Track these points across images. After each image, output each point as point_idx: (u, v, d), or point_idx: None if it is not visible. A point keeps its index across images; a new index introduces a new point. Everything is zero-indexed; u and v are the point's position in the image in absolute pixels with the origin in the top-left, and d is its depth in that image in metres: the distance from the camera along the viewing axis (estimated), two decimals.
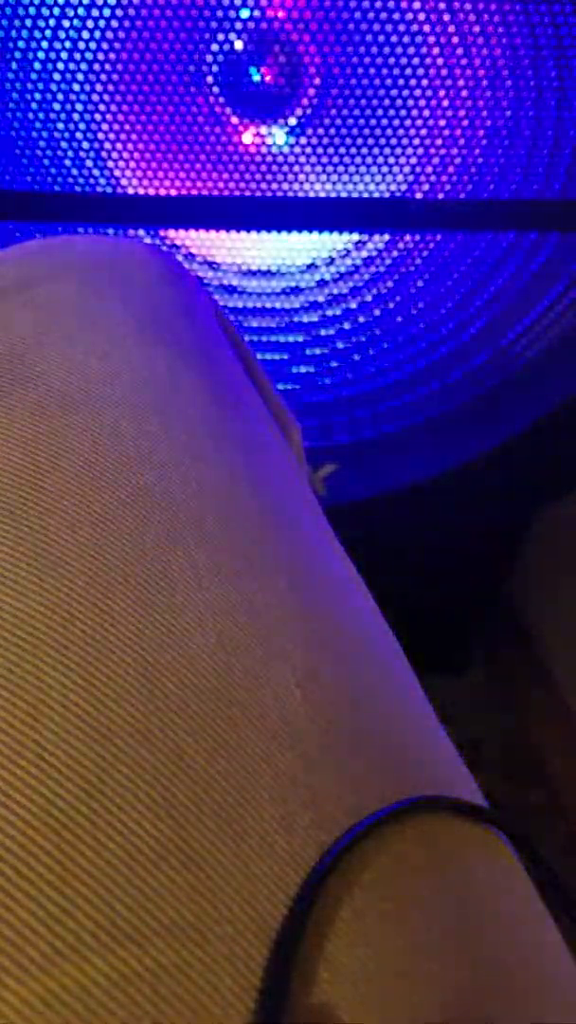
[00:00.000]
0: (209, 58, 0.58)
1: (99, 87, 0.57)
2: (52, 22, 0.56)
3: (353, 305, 0.66)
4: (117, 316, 0.29)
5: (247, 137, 0.61)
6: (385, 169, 0.60)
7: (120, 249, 0.34)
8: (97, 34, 0.56)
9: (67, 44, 0.56)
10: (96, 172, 0.61)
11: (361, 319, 0.66)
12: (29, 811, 0.17)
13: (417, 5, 0.55)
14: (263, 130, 0.61)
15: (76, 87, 0.57)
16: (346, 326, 0.67)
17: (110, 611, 0.21)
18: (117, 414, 0.26)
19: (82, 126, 0.59)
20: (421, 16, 0.55)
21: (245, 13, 0.56)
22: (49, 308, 0.29)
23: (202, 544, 0.24)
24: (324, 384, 0.69)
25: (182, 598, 0.22)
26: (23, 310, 0.28)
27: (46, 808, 0.17)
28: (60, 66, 0.57)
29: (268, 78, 0.59)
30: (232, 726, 0.20)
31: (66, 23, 0.56)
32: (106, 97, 0.58)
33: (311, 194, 0.61)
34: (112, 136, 0.60)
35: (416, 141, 0.60)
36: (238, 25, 0.56)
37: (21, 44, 0.56)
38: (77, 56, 0.57)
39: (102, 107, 0.58)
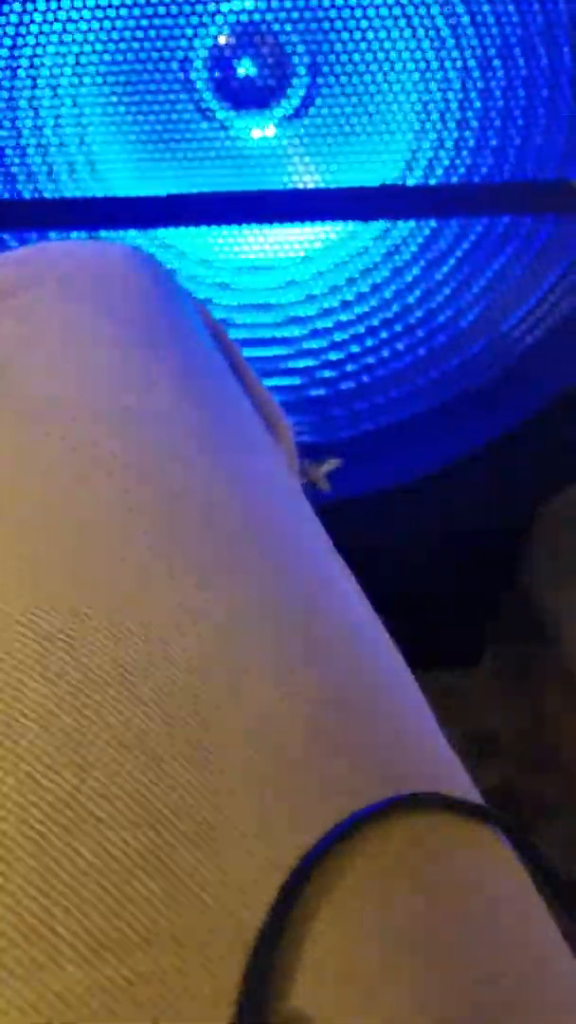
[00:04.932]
0: (195, 53, 0.57)
1: (83, 90, 0.57)
2: (36, 28, 0.55)
3: (349, 296, 0.66)
4: (97, 322, 0.29)
5: (236, 131, 0.60)
6: (375, 157, 0.60)
7: (100, 253, 0.34)
8: (79, 36, 0.56)
9: (51, 48, 0.56)
10: (85, 175, 0.60)
11: (357, 310, 0.66)
12: (6, 821, 0.17)
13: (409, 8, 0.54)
14: (252, 123, 0.60)
15: (61, 91, 0.57)
16: (343, 318, 0.66)
17: (88, 618, 0.21)
18: (97, 421, 0.26)
19: (68, 129, 0.59)
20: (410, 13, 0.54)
21: (229, 6, 0.56)
22: (28, 316, 0.29)
23: (182, 548, 0.24)
24: (323, 378, 0.69)
25: (160, 603, 0.22)
26: (2, 319, 0.28)
27: (23, 818, 0.17)
28: (46, 71, 0.57)
29: (255, 71, 0.59)
30: (209, 730, 0.20)
31: (48, 28, 0.55)
32: (91, 99, 0.58)
33: (301, 185, 0.61)
34: (100, 137, 0.59)
35: (404, 127, 0.59)
36: (219, 19, 0.56)
37: (4, 51, 0.56)
38: (62, 59, 0.56)
39: (87, 109, 0.58)
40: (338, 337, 0.67)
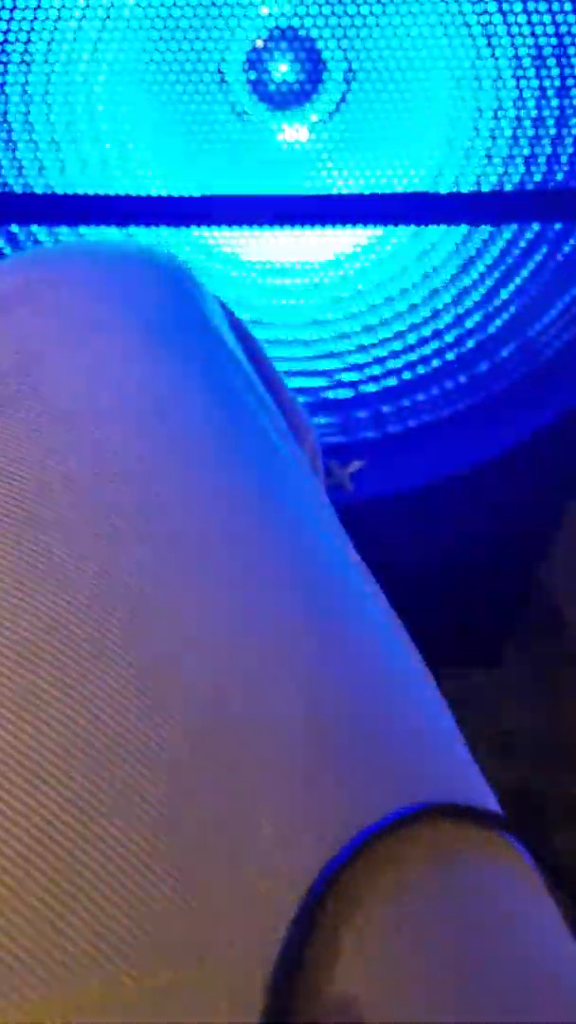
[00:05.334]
0: (231, 54, 0.57)
1: (120, 87, 0.58)
2: (73, 24, 0.56)
3: (378, 300, 0.66)
4: (122, 323, 0.29)
5: (269, 132, 0.61)
6: (407, 162, 0.60)
7: (127, 253, 0.34)
8: (118, 34, 0.56)
9: (87, 45, 0.56)
10: (118, 172, 0.61)
11: (387, 314, 0.66)
12: (28, 833, 0.17)
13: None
14: (285, 124, 0.61)
15: (97, 88, 0.58)
16: (372, 320, 0.66)
17: (110, 628, 0.21)
18: (121, 426, 0.26)
19: (104, 126, 0.59)
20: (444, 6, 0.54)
21: (267, 9, 0.56)
22: (54, 317, 0.29)
23: (206, 556, 0.24)
24: (350, 380, 0.69)
25: (184, 613, 0.22)
26: (29, 319, 0.29)
27: (44, 830, 0.17)
28: (82, 67, 0.57)
29: (290, 73, 0.59)
30: (232, 743, 0.20)
31: (86, 24, 0.56)
32: (126, 96, 0.58)
33: (335, 189, 0.61)
34: (134, 133, 0.60)
35: (436, 132, 0.59)
36: (256, 22, 0.56)
37: (42, 45, 0.57)
38: (99, 56, 0.57)
39: (123, 107, 0.58)
40: (365, 341, 0.67)
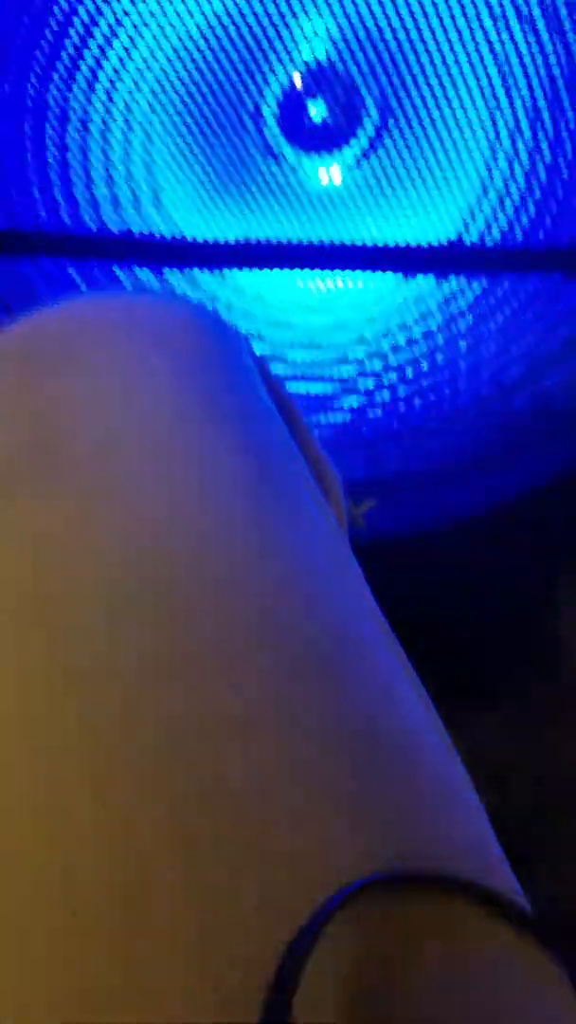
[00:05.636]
0: (267, 96, 0.58)
1: (157, 127, 0.58)
2: (115, 60, 0.56)
3: (400, 340, 0.65)
4: (158, 384, 0.29)
5: (302, 174, 0.61)
6: (440, 206, 0.60)
7: (162, 308, 0.34)
8: (161, 75, 0.56)
9: (131, 85, 0.57)
10: (149, 207, 0.61)
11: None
12: (65, 990, 0.17)
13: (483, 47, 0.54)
14: (319, 166, 0.61)
15: (133, 127, 0.58)
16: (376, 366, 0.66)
17: (141, 737, 0.20)
18: (154, 499, 0.25)
19: (141, 167, 0.59)
20: (485, 54, 0.54)
21: (304, 50, 0.56)
22: (88, 379, 0.28)
23: (238, 657, 0.22)
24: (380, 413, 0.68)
25: (217, 722, 0.21)
26: (63, 381, 0.28)
27: (81, 988, 0.16)
28: (120, 107, 0.58)
29: (326, 113, 0.59)
30: (267, 872, 0.19)
31: (130, 65, 0.56)
32: (167, 139, 0.58)
33: (367, 232, 0.61)
34: (166, 171, 0.60)
35: (472, 173, 0.59)
36: (291, 67, 0.56)
37: (84, 85, 0.57)
38: (136, 96, 0.57)
39: (161, 147, 0.59)
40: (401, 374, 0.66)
